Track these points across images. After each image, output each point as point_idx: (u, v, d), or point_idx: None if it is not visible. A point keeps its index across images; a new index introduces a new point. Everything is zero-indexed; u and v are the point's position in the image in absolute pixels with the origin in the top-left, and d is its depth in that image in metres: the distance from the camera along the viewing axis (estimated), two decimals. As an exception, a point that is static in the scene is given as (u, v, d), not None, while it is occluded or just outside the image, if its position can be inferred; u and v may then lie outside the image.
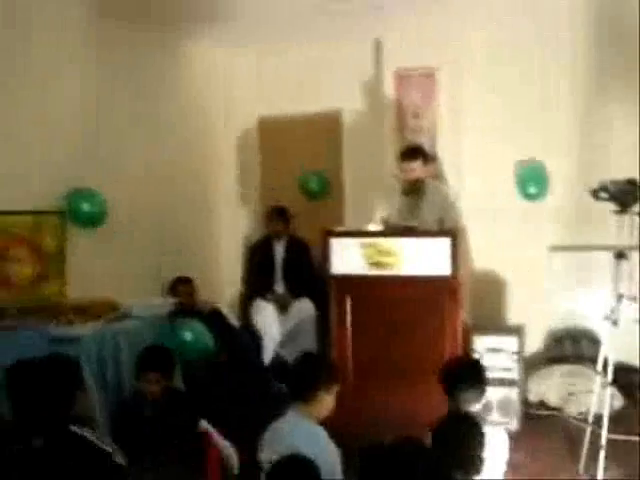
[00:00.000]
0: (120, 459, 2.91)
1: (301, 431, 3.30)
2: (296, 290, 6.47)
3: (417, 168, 5.32)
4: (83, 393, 3.98)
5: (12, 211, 4.59)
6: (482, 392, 3.59)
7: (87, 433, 2.93)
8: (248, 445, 3.48)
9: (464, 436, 2.95)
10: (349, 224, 6.19)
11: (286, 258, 6.64)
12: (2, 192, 4.55)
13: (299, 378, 3.47)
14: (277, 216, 6.66)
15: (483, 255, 5.78)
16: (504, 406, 5.11)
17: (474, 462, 2.86)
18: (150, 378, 4.14)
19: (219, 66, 6.68)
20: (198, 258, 6.43)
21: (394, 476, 1.86)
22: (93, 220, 5.06)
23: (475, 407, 3.55)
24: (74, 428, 2.94)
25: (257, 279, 6.73)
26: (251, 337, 6.19)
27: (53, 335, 4.28)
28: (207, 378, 5.11)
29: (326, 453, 3.26)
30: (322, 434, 3.33)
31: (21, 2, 4.76)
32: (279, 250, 6.67)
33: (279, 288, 6.57)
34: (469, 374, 3.61)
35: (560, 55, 5.75)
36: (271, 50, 6.55)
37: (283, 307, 6.38)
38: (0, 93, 4.59)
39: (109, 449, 2.92)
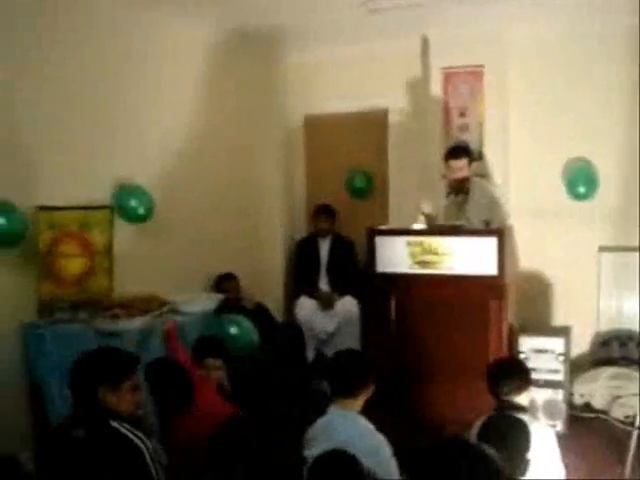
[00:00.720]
0: (149, 458, 2.95)
1: (354, 427, 3.32)
2: (340, 288, 6.48)
3: (463, 167, 5.29)
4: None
5: (62, 207, 4.64)
6: (526, 390, 3.55)
7: (125, 429, 2.98)
8: (288, 441, 3.49)
9: (508, 436, 2.92)
10: (394, 223, 6.17)
11: (331, 256, 6.65)
12: (53, 188, 4.62)
13: (346, 374, 3.45)
14: (323, 214, 6.68)
15: (530, 255, 5.72)
16: (550, 408, 5.05)
17: (518, 463, 2.83)
18: (211, 364, 4.18)
19: (265, 63, 6.69)
20: (243, 255, 6.46)
21: (442, 476, 1.85)
22: (140, 216, 5.10)
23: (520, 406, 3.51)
24: (114, 423, 2.99)
25: (302, 276, 6.75)
26: (294, 334, 6.22)
27: (101, 329, 4.35)
28: (251, 373, 5.13)
29: (382, 449, 3.28)
30: (374, 430, 3.35)
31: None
32: (324, 248, 6.69)
33: (324, 286, 6.59)
34: (514, 374, 3.57)
35: (611, 52, 5.66)
36: (317, 48, 6.56)
37: (327, 305, 6.39)
38: (53, 90, 4.65)
39: (143, 446, 2.95)
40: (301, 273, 6.81)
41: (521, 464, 2.81)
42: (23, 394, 4.46)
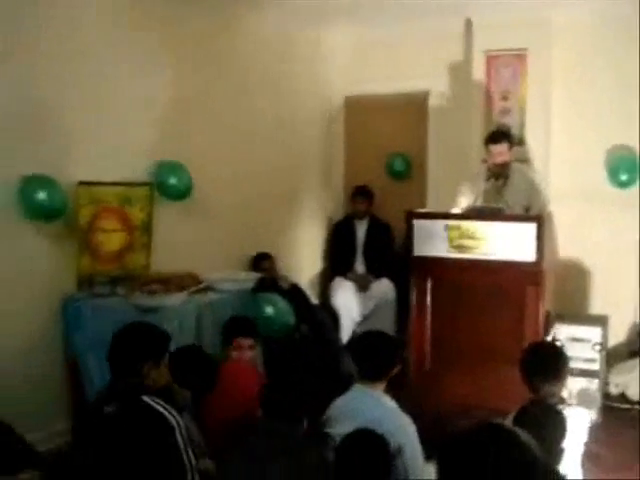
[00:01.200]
0: (179, 432, 2.98)
1: (379, 406, 3.34)
2: (376, 270, 6.48)
3: (504, 152, 5.23)
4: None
5: (103, 182, 4.69)
6: (563, 380, 3.49)
7: (157, 404, 3.02)
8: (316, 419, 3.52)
9: (545, 425, 2.89)
10: (431, 206, 6.14)
11: (367, 238, 6.65)
12: (94, 164, 4.66)
13: (373, 357, 3.48)
14: (360, 195, 6.68)
15: (569, 242, 5.65)
16: (584, 397, 5.01)
17: (554, 452, 2.80)
18: (243, 344, 4.22)
19: (307, 44, 6.67)
20: (280, 235, 6.48)
21: (475, 461, 1.83)
22: (179, 194, 5.14)
23: (556, 396, 3.47)
24: (146, 398, 3.03)
25: (338, 258, 6.75)
26: (329, 315, 6.23)
27: (138, 304, 4.39)
28: (285, 353, 5.15)
29: (409, 428, 3.31)
30: (399, 410, 3.35)
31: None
32: (361, 230, 6.69)
33: (360, 268, 6.60)
34: (550, 361, 3.50)
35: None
36: (359, 29, 6.52)
37: (363, 287, 6.39)
38: (95, 67, 4.68)
39: (173, 421, 2.98)
40: (337, 255, 6.82)
41: (556, 453, 2.78)
42: (61, 367, 4.54)
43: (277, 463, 2.78)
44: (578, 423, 3.30)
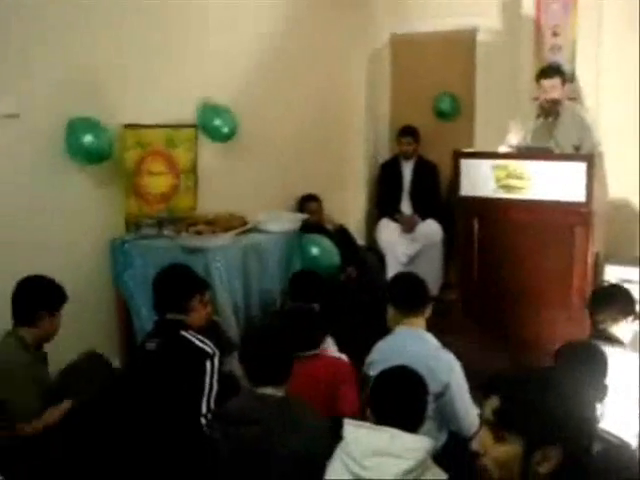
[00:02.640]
0: (213, 363, 3.12)
1: (422, 343, 3.38)
2: (423, 211, 6.43)
3: (556, 86, 5.11)
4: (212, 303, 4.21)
5: (148, 125, 4.70)
6: (623, 320, 3.47)
7: (195, 339, 3.17)
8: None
9: (584, 361, 2.87)
10: (480, 146, 6.05)
11: (414, 179, 6.59)
12: (139, 106, 4.67)
13: (406, 292, 3.53)
14: (406, 135, 6.60)
15: (619, 182, 5.52)
16: (635, 340, 4.95)
17: (595, 389, 2.79)
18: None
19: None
20: (326, 176, 6.45)
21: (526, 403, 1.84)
22: (224, 135, 5.13)
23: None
24: (184, 333, 3.14)
25: (384, 199, 6.72)
26: (376, 257, 6.22)
27: (185, 245, 4.44)
28: (332, 294, 5.18)
29: (455, 366, 3.32)
30: (442, 348, 3.39)
31: None
32: (407, 170, 6.63)
33: (406, 209, 6.55)
34: (612, 301, 3.49)
35: None
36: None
37: (409, 228, 6.36)
38: (139, 9, 4.66)
39: (210, 351, 3.14)
40: (383, 196, 6.78)
41: (598, 391, 2.77)
42: (112, 307, 4.62)
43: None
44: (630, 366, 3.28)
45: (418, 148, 6.64)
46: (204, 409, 3.06)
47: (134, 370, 3.36)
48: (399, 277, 3.90)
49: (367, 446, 2.40)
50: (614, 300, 3.50)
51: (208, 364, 3.10)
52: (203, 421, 3.04)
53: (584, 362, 2.84)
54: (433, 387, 3.13)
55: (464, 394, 3.30)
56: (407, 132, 6.60)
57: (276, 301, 4.82)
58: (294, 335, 3.00)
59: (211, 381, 3.09)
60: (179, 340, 3.17)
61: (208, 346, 3.16)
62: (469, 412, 3.28)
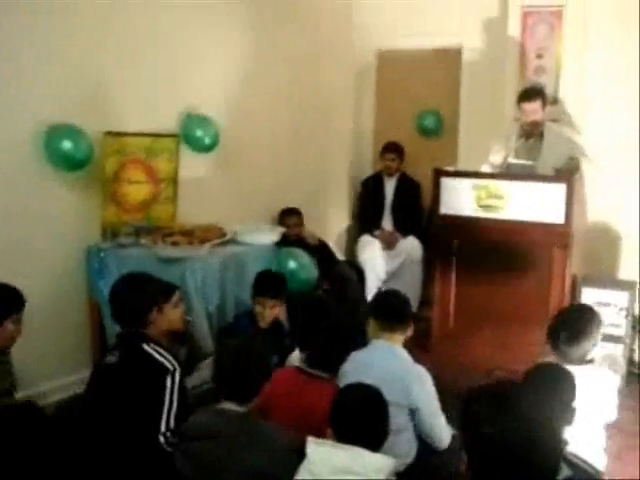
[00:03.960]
0: (173, 379, 3.07)
1: (397, 358, 3.40)
2: (404, 229, 6.43)
3: (537, 110, 5.13)
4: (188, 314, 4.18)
5: (130, 133, 4.68)
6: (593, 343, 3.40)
7: (156, 353, 3.11)
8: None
9: (553, 382, 2.86)
10: (462, 165, 6.06)
11: (396, 196, 6.60)
12: (121, 114, 4.66)
13: (394, 310, 3.53)
14: (390, 152, 6.60)
15: (600, 205, 5.54)
16: (608, 362, 4.95)
17: (564, 410, 2.78)
18: (266, 303, 4.27)
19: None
20: (307, 191, 6.45)
21: (495, 415, 1.85)
22: (206, 146, 5.12)
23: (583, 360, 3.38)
24: (145, 347, 3.09)
25: (366, 215, 6.72)
26: (355, 272, 6.20)
27: (161, 255, 4.41)
28: (308, 309, 5.15)
29: (426, 382, 3.33)
30: (414, 363, 3.42)
31: None
32: (390, 187, 6.63)
33: (387, 225, 6.55)
34: (581, 323, 3.40)
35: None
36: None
37: (389, 244, 6.35)
38: (123, 18, 4.65)
39: (170, 367, 3.08)
40: (365, 212, 6.78)
41: (567, 413, 2.76)
42: (85, 315, 4.58)
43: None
44: (605, 384, 3.27)
45: (401, 165, 6.64)
46: (163, 427, 2.99)
47: (94, 384, 3.31)
48: (386, 292, 3.98)
49: (329, 464, 2.38)
50: (584, 322, 3.42)
51: (168, 380, 3.04)
52: (162, 439, 2.98)
53: (551, 384, 2.83)
54: (408, 402, 3.23)
55: (436, 407, 3.33)
56: (391, 149, 6.60)
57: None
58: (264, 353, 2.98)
59: (171, 398, 3.03)
60: (139, 354, 3.12)
61: (169, 361, 3.09)
62: (441, 426, 3.32)
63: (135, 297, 3.28)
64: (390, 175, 6.62)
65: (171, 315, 3.48)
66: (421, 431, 3.32)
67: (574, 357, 3.33)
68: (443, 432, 3.32)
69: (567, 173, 4.90)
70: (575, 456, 2.77)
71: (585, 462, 2.82)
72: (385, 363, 3.33)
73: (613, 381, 3.42)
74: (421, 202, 6.58)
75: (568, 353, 3.33)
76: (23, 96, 4.14)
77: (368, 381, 3.07)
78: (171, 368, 3.07)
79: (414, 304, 6.06)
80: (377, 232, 6.47)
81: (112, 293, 3.35)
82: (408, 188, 6.61)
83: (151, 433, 2.99)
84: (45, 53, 4.23)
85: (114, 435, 3.00)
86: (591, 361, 3.42)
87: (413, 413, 3.28)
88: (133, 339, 3.18)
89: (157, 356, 3.10)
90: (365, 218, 6.71)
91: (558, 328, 3.41)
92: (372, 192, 6.71)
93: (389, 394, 2.97)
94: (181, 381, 3.11)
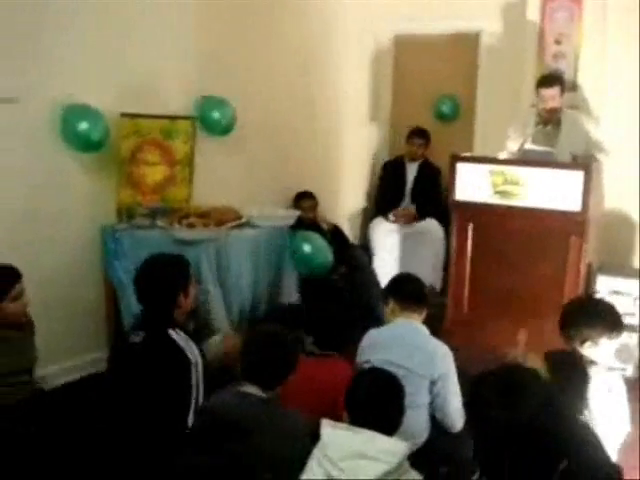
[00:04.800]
0: (197, 372, 3.05)
1: (419, 334, 3.47)
2: (424, 212, 6.36)
3: (555, 96, 5.10)
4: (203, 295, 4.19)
5: (146, 114, 4.68)
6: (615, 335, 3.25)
7: (180, 340, 3.09)
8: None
9: (565, 374, 2.84)
10: (479, 151, 6.03)
11: (417, 180, 6.52)
12: (137, 96, 4.66)
13: (413, 292, 3.60)
14: (417, 137, 6.54)
15: (616, 193, 5.51)
16: (622, 352, 4.92)
17: (576, 401, 2.77)
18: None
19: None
20: (323, 174, 6.44)
21: (505, 399, 1.86)
22: (222, 128, 5.11)
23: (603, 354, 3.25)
24: (171, 332, 3.08)
25: (385, 198, 6.65)
26: (368, 256, 6.20)
27: (177, 236, 4.42)
28: (322, 292, 5.17)
29: (447, 357, 3.40)
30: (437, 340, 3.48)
31: None
32: (411, 172, 6.56)
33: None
34: (601, 315, 3.25)
35: None
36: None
37: (406, 220, 6.31)
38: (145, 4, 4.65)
39: (192, 359, 3.06)
40: (384, 195, 6.71)
41: (579, 402, 2.75)
42: (101, 295, 4.61)
43: None
44: (615, 385, 3.21)
45: (426, 151, 6.59)
46: (190, 420, 2.99)
47: (117, 362, 3.31)
48: (403, 275, 3.98)
49: (343, 448, 2.39)
50: (598, 317, 3.25)
51: (193, 372, 3.02)
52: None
53: (565, 373, 2.81)
54: (430, 372, 3.28)
55: (456, 386, 3.36)
56: (418, 133, 6.56)
57: (265, 296, 4.83)
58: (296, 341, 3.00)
59: (197, 390, 3.03)
60: (164, 338, 3.11)
61: (191, 352, 3.07)
62: (457, 407, 3.35)
63: (165, 279, 3.27)
64: (413, 160, 6.57)
65: (192, 294, 3.44)
66: (437, 409, 3.34)
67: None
68: (458, 413, 3.34)
69: (585, 160, 4.87)
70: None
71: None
72: (408, 336, 3.41)
73: (622, 392, 3.18)
74: (441, 187, 6.53)
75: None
76: (40, 76, 4.14)
77: (391, 352, 3.20)
78: (193, 360, 3.05)
79: (437, 283, 6.08)
80: (391, 214, 6.41)
81: (141, 273, 3.31)
82: (429, 174, 6.54)
83: (173, 419, 2.99)
84: (62, 33, 4.23)
85: (136, 415, 3.00)
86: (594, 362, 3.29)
87: (432, 388, 3.32)
88: (158, 322, 3.17)
89: (181, 343, 3.08)
90: (384, 201, 6.64)
91: (570, 320, 3.35)
92: (393, 176, 6.66)
93: (411, 363, 3.05)
94: (204, 372, 3.09)
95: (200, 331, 4.03)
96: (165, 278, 3.28)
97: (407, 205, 6.52)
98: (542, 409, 1.87)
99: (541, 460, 1.87)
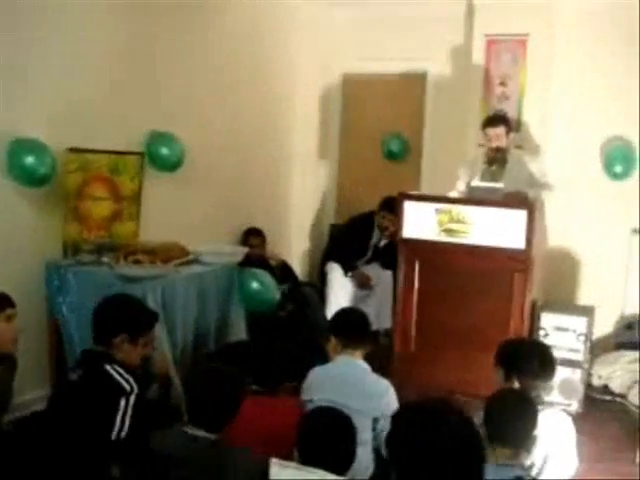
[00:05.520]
0: (132, 400, 3.03)
1: (362, 370, 3.50)
2: (386, 266, 6.13)
3: (501, 135, 5.21)
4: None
5: (93, 150, 4.64)
6: (546, 379, 3.34)
7: (116, 373, 3.07)
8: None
9: (513, 410, 2.85)
10: (425, 189, 6.11)
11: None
12: (85, 130, 4.62)
13: (355, 327, 3.63)
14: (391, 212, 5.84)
15: (560, 231, 5.62)
16: (566, 387, 4.99)
17: (522, 438, 2.77)
18: None
19: (306, 18, 6.62)
20: (271, 211, 6.46)
21: (418, 432, 1.89)
22: (170, 165, 5.11)
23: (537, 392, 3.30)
24: (107, 367, 3.06)
25: (348, 251, 6.25)
26: (316, 293, 6.19)
27: (123, 273, 4.36)
28: (270, 330, 5.15)
29: (390, 392, 3.43)
30: (377, 376, 3.52)
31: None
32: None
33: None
34: (533, 358, 3.32)
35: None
36: (360, 4, 6.46)
37: (364, 286, 6.10)
38: (88, 33, 4.63)
39: (128, 388, 3.04)
40: (347, 249, 6.27)
41: (526, 440, 2.76)
42: (43, 331, 4.51)
43: None
44: (562, 424, 3.25)
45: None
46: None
47: (55, 400, 3.26)
48: (345, 310, 4.06)
49: (292, 487, 2.37)
50: (534, 358, 3.32)
51: (122, 401, 3.00)
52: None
53: (514, 410, 2.82)
54: (371, 411, 3.29)
55: None
56: (391, 207, 5.73)
57: (212, 333, 4.78)
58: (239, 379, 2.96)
59: (123, 419, 2.98)
60: (100, 373, 3.09)
61: (127, 382, 3.05)
62: None
63: (107, 316, 3.25)
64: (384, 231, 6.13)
65: (139, 350, 3.36)
66: (381, 445, 3.29)
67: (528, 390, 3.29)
68: None
69: (528, 200, 4.96)
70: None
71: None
72: (350, 374, 3.42)
73: (570, 428, 3.26)
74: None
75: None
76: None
77: (333, 392, 3.17)
78: (128, 389, 3.02)
79: (388, 323, 5.96)
80: (350, 274, 6.12)
81: (94, 308, 3.32)
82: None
83: (100, 450, 2.95)
84: (11, 67, 4.19)
85: (68, 450, 2.95)
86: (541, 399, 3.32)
87: (375, 425, 3.34)
88: (96, 358, 3.14)
89: (116, 376, 3.06)
90: (345, 255, 6.23)
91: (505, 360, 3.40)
92: (360, 233, 6.26)
93: (352, 402, 3.04)
94: (137, 403, 3.05)
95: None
96: (105, 315, 3.27)
97: (368, 259, 6.26)
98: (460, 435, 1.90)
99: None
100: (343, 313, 3.93)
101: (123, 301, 3.43)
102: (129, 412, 3.01)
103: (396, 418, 2.04)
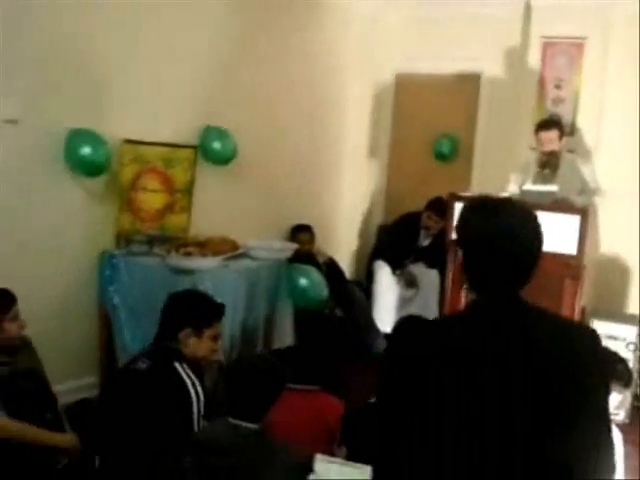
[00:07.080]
0: (195, 407, 3.02)
1: None
2: (430, 264, 6.13)
3: (554, 139, 5.16)
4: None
5: (148, 142, 4.70)
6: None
7: (184, 373, 3.06)
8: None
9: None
10: (476, 190, 6.06)
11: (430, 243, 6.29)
12: (140, 123, 4.68)
13: None
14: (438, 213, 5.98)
15: (612, 238, 5.55)
16: (613, 397, 4.92)
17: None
18: None
19: (360, 18, 6.61)
20: (321, 208, 6.47)
21: None
22: (223, 158, 5.14)
23: None
24: (176, 364, 3.07)
25: (396, 250, 6.31)
26: (363, 292, 6.18)
27: (173, 265, 4.42)
28: (317, 327, 5.16)
29: None
30: None
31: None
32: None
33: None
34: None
35: None
36: (413, 3, 6.45)
37: (410, 285, 6.14)
38: (148, 29, 4.69)
39: (193, 393, 3.02)
40: (396, 247, 6.32)
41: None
42: (94, 320, 4.59)
43: None
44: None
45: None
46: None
47: (116, 386, 3.27)
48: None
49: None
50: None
51: (195, 409, 2.98)
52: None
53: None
54: None
55: None
56: (438, 209, 5.94)
57: (260, 328, 4.81)
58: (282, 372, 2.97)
59: (197, 426, 2.99)
60: (168, 369, 3.07)
61: (193, 386, 3.02)
62: None
63: (169, 311, 3.23)
64: (428, 230, 6.20)
65: (208, 343, 3.35)
66: None
67: None
68: None
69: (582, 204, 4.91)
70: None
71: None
72: None
73: (617, 438, 3.25)
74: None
75: None
76: (45, 100, 4.16)
77: None
78: (193, 395, 3.00)
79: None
80: (398, 272, 6.18)
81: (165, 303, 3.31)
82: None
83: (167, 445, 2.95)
84: (70, 57, 4.26)
85: (131, 440, 2.97)
86: None
87: None
88: (167, 352, 3.13)
89: (185, 378, 3.06)
90: (393, 253, 6.29)
91: None
92: (407, 232, 6.30)
93: None
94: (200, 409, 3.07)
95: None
96: (170, 309, 3.25)
97: (414, 259, 6.24)
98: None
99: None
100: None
101: (187, 295, 3.42)
102: (200, 422, 3.03)
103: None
